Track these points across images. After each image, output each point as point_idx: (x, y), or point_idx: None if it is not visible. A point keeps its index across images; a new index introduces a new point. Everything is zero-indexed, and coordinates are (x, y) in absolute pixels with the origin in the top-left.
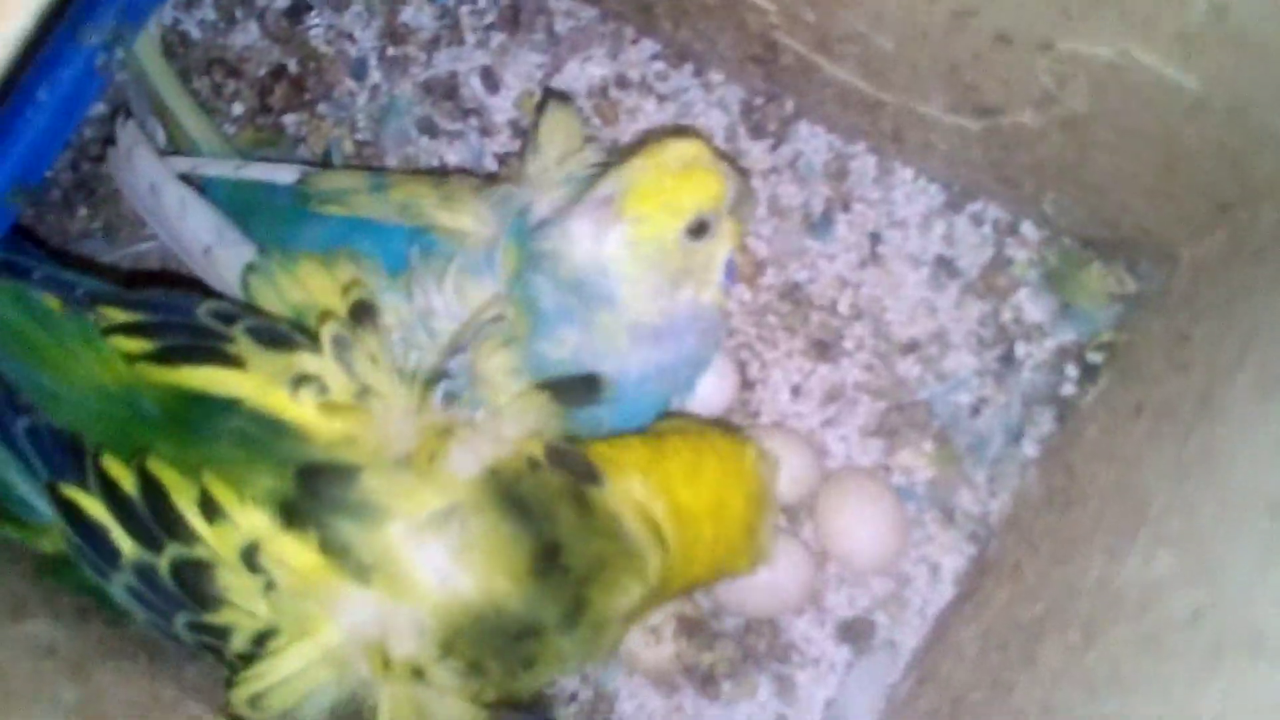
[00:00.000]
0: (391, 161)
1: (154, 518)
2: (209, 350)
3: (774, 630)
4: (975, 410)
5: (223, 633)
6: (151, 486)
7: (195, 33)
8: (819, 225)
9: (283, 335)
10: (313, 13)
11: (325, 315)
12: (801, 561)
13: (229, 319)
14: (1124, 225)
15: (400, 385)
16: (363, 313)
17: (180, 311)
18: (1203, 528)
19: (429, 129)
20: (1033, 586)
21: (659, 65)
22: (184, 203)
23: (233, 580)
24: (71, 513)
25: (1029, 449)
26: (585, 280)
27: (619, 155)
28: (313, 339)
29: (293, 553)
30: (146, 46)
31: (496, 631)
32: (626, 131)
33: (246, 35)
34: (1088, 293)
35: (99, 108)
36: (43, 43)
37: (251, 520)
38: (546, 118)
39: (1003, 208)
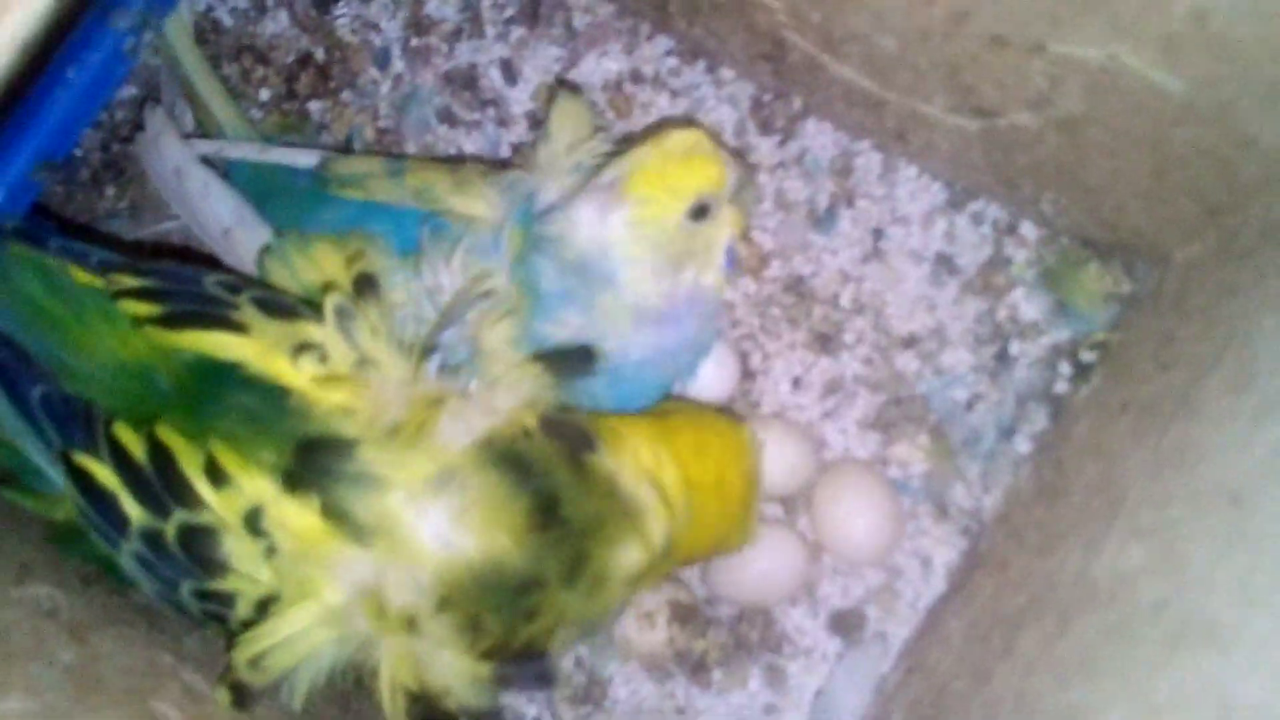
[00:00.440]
0: (411, 149)
1: (162, 483)
2: (215, 316)
3: (767, 620)
4: (970, 406)
5: (228, 599)
6: (160, 452)
7: (227, 20)
8: (823, 220)
9: (286, 305)
10: (341, 3)
11: (329, 286)
12: (796, 551)
13: (235, 289)
14: (1120, 226)
15: (397, 356)
16: (366, 285)
17: (189, 281)
18: (1172, 520)
19: (448, 118)
20: (1016, 578)
21: (672, 61)
22: (206, 186)
23: (237, 546)
24: (82, 480)
25: (1021, 445)
26: (588, 262)
27: (625, 145)
28: (318, 312)
29: (294, 516)
30: (179, 32)
31: (498, 588)
32: (640, 125)
33: (276, 24)
34: (1084, 292)
35: (130, 91)
36: (73, 25)
37: (256, 485)
38: (557, 107)
39: (1003, 207)
